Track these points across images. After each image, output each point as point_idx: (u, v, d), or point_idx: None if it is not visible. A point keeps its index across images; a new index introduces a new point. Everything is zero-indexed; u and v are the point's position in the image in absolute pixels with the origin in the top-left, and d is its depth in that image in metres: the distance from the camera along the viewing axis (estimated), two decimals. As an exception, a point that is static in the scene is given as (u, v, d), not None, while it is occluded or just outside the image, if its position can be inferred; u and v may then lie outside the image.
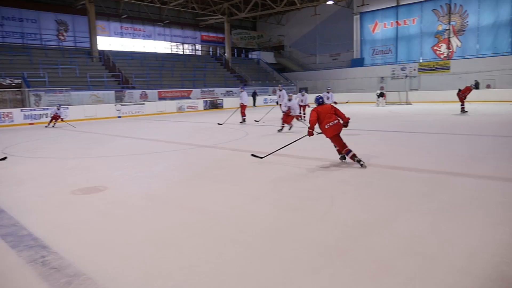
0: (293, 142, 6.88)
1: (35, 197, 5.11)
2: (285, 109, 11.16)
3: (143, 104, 22.37)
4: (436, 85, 25.73)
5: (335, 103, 15.04)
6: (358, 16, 32.00)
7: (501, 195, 4.37)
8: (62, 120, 16.07)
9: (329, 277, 2.64)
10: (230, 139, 10.27)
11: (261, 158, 6.43)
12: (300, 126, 11.32)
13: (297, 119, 11.30)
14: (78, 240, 3.49)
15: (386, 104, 23.30)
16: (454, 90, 24.11)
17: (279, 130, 11.34)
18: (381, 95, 23.28)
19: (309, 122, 6.14)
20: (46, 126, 16.15)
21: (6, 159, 8.09)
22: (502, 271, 2.60)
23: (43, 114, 18.10)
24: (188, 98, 25.54)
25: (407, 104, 23.16)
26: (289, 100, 11.31)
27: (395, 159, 6.69)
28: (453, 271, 2.63)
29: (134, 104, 21.97)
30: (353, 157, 5.93)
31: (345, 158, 6.23)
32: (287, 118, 11.19)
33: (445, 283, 2.48)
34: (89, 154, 8.80)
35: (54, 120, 16.11)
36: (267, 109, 17.66)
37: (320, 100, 6.32)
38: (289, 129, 11.36)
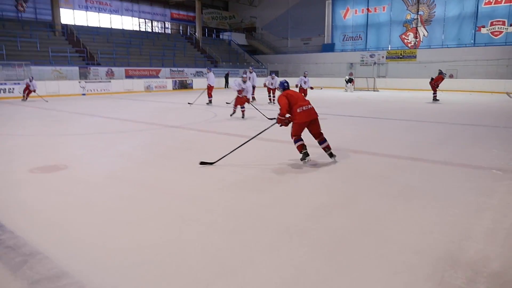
0: (258, 134, 5.73)
1: (-10, 175, 4.89)
2: (236, 88, 10.28)
3: (109, 82, 21.64)
4: (402, 73, 26.49)
5: (311, 88, 15.03)
6: (330, 1, 32.13)
7: (454, 180, 4.61)
8: (34, 92, 15.86)
9: (287, 255, 2.72)
10: (198, 120, 10.18)
11: (212, 164, 5.26)
12: (250, 108, 11.26)
13: (248, 102, 10.41)
14: (35, 219, 3.39)
15: (355, 90, 23.76)
16: (419, 78, 24.94)
17: (231, 115, 10.66)
18: (350, 80, 23.70)
19: (280, 108, 5.25)
20: (22, 100, 16.02)
21: (-42, 135, 7.66)
22: (448, 249, 2.77)
23: (0, 89, 17.18)
24: (157, 77, 24.93)
25: (374, 91, 23.71)
26: (244, 81, 10.37)
27: (360, 143, 6.88)
28: (405, 249, 2.78)
29: (100, 82, 21.22)
30: (301, 147, 5.29)
31: (331, 154, 5.44)
32: (238, 100, 10.41)
33: (397, 260, 2.62)
34: (51, 132, 8.48)
35: (26, 93, 15.91)
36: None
37: (286, 84, 5.56)
38: (242, 117, 10.36)
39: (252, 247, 2.85)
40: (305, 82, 14.57)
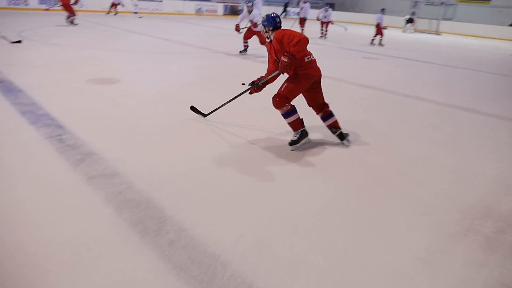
0: (239, 94, 3.92)
1: (51, 81, 5.27)
2: (239, 21, 8.36)
3: (161, 1, 21.44)
4: (472, 17, 24.04)
5: (385, 28, 13.80)
6: None
7: (504, 134, 4.40)
8: (122, 6, 17.81)
9: (321, 183, 2.83)
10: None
11: (204, 116, 4.10)
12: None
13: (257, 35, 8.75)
14: (91, 125, 3.69)
15: (414, 32, 22.09)
16: (490, 25, 22.60)
17: (241, 52, 9.08)
18: (410, 20, 21.94)
19: (296, 44, 3.03)
20: (114, 14, 17.93)
21: (21, 42, 8.13)
22: (484, 200, 2.76)
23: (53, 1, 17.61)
24: (208, 0, 24.32)
25: (436, 34, 21.93)
26: (249, 11, 8.42)
27: (409, 88, 6.59)
28: (437, 194, 2.80)
29: (151, 1, 21.07)
30: (336, 124, 3.66)
31: (342, 135, 3.68)
32: (248, 32, 8.82)
33: (426, 203, 2.66)
34: (105, 46, 8.77)
35: (114, 7, 17.79)
36: (290, 22, 16.88)
37: (278, 20, 3.39)
38: (243, 51, 9.04)
39: (286, 173, 2.98)
40: (383, 21, 13.40)
